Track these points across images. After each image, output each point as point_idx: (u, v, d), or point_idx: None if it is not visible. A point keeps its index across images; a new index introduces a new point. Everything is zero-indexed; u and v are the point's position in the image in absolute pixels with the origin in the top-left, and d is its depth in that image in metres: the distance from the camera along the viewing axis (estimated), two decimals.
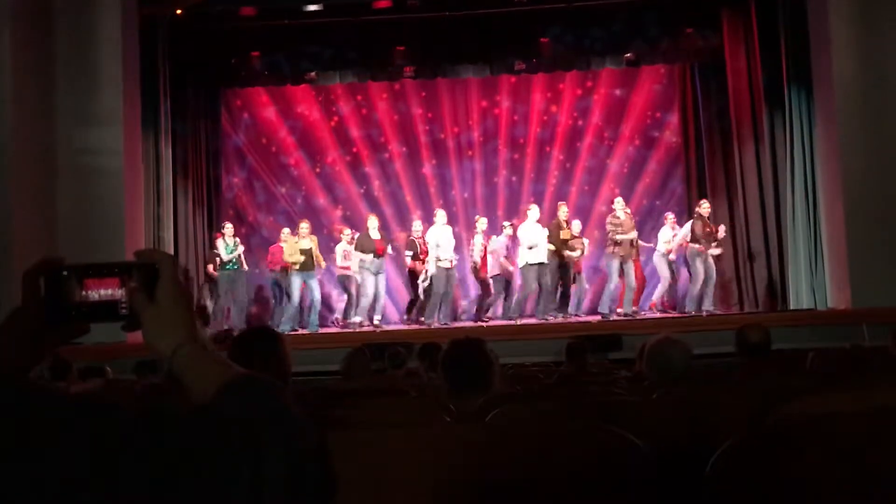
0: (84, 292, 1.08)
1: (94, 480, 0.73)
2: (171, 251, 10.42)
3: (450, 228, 10.50)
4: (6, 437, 0.73)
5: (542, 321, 10.24)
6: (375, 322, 10.40)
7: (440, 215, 10.55)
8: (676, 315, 10.50)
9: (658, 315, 10.30)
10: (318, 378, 6.70)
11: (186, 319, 1.08)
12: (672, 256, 10.63)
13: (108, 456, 0.75)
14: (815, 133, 10.04)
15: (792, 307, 10.11)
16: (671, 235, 10.59)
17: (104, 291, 1.09)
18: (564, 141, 12.79)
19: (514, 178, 12.87)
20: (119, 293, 1.09)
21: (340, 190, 12.86)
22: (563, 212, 10.53)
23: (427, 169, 12.90)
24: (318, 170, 12.87)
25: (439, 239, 10.30)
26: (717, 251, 10.20)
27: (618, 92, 12.74)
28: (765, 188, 10.75)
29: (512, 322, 10.45)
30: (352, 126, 12.81)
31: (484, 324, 10.03)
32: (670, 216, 10.84)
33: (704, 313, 10.00)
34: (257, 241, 11.77)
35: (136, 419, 0.79)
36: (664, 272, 10.66)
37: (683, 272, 10.84)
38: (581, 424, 2.26)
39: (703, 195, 11.82)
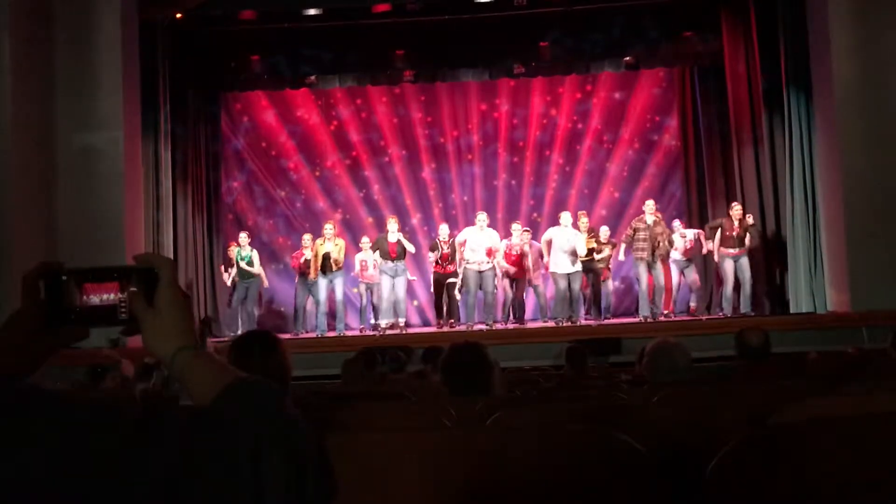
0: (83, 296, 1.08)
1: (94, 484, 0.73)
2: (171, 255, 10.42)
3: (486, 232, 10.21)
4: (5, 440, 0.73)
5: (544, 325, 10.24)
6: (401, 323, 10.33)
7: (480, 217, 10.31)
8: (675, 318, 10.48)
9: (661, 318, 10.27)
10: (318, 382, 6.70)
11: (186, 323, 1.08)
12: (682, 261, 10.60)
13: (108, 459, 0.75)
14: (815, 136, 10.04)
15: (792, 310, 10.11)
16: (682, 241, 10.56)
17: (104, 296, 1.09)
18: (564, 144, 12.81)
19: (513, 182, 12.88)
20: (118, 297, 1.09)
21: (340, 194, 12.87)
22: (583, 222, 10.50)
23: (427, 172, 12.91)
24: (317, 173, 12.89)
25: (469, 240, 10.17)
26: (737, 252, 10.05)
27: (617, 95, 12.76)
28: (764, 191, 10.76)
29: (516, 325, 10.46)
30: (351, 130, 12.83)
31: (486, 327, 9.97)
32: (677, 224, 10.80)
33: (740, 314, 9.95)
34: (255, 245, 11.77)
35: (137, 422, 0.79)
36: (674, 277, 10.68)
37: (687, 277, 10.82)
38: (581, 428, 2.26)
39: (702, 198, 11.85)
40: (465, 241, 10.21)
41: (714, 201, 11.45)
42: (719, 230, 10.16)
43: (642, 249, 10.08)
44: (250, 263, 10.77)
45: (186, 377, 1.04)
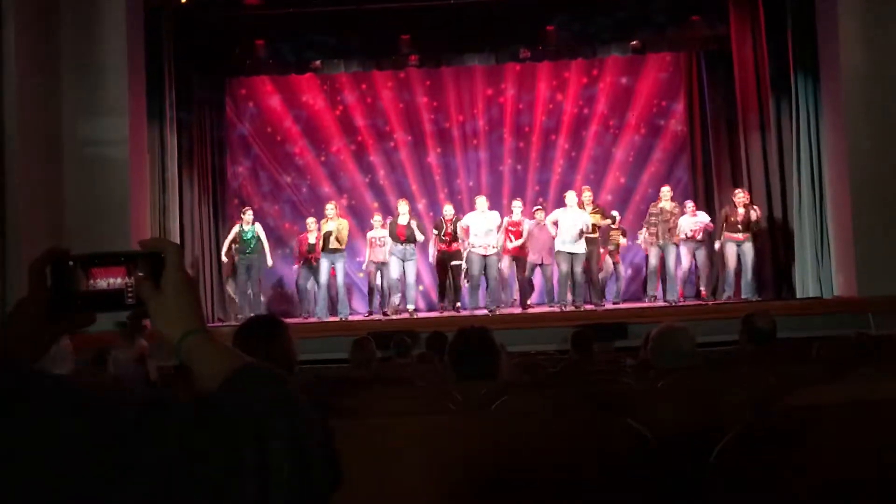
0: (90, 282, 1.09)
1: (98, 469, 0.74)
2: (177, 240, 10.43)
3: (487, 214, 10.20)
4: (7, 426, 0.74)
5: (551, 309, 10.24)
6: (409, 309, 10.33)
7: (480, 202, 10.33)
8: (682, 304, 10.47)
9: (663, 303, 10.27)
10: (324, 366, 6.72)
11: (193, 308, 1.08)
12: (692, 243, 10.58)
13: (111, 444, 0.75)
14: (822, 122, 10.00)
15: (798, 295, 10.10)
16: (692, 223, 10.54)
17: (111, 280, 1.09)
18: (570, 129, 12.77)
19: (519, 167, 12.86)
20: (125, 282, 1.09)
21: (345, 179, 12.86)
22: (587, 196, 10.54)
23: (432, 158, 12.89)
24: (322, 159, 12.88)
25: (472, 225, 10.15)
26: (740, 237, 10.03)
27: (623, 80, 12.71)
28: (771, 177, 10.72)
29: (521, 310, 10.46)
30: (356, 115, 12.81)
31: (490, 312, 9.97)
32: (689, 204, 10.76)
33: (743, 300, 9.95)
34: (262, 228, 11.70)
35: (140, 407, 0.79)
36: (684, 261, 10.68)
37: (699, 259, 10.79)
38: (586, 413, 2.26)
39: (708, 184, 11.82)
40: (468, 227, 10.20)
41: (720, 187, 11.41)
42: (724, 216, 10.18)
43: (653, 234, 10.18)
44: (253, 238, 10.56)
45: (193, 361, 1.04)
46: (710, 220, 10.56)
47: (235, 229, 10.71)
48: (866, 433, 1.62)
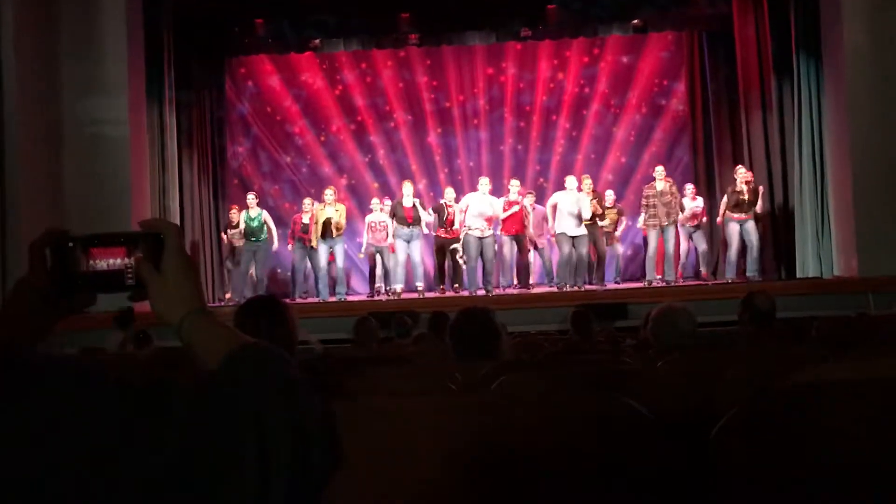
0: (90, 262, 1.09)
1: (102, 448, 0.74)
2: (177, 221, 10.43)
3: (488, 198, 10.11)
4: (9, 407, 0.74)
5: (552, 290, 10.24)
6: (419, 287, 10.27)
7: (483, 183, 10.23)
8: (682, 283, 10.48)
9: (663, 284, 10.28)
10: (324, 347, 6.74)
11: (193, 288, 1.08)
12: (689, 227, 10.55)
13: (112, 426, 0.75)
14: (824, 101, 9.95)
15: (798, 275, 10.10)
16: (693, 206, 10.53)
17: (111, 261, 1.09)
18: (571, 109, 12.73)
19: (519, 147, 12.82)
20: (125, 263, 1.09)
21: (345, 159, 12.84)
22: (587, 184, 10.45)
23: (432, 137, 12.86)
24: (322, 138, 12.85)
25: (471, 206, 10.07)
26: (743, 216, 9.99)
27: (625, 59, 12.65)
28: (772, 156, 10.69)
29: (521, 290, 10.46)
30: (356, 94, 12.76)
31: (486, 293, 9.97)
32: (689, 187, 10.74)
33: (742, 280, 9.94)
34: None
35: (141, 389, 0.79)
36: (682, 243, 10.68)
37: (696, 242, 10.79)
38: (586, 392, 2.27)
39: (709, 164, 11.79)
40: (466, 208, 10.16)
41: (721, 167, 11.39)
42: (726, 195, 10.13)
43: (652, 216, 10.12)
44: (260, 226, 10.51)
45: (194, 342, 1.05)
46: (703, 208, 10.54)
47: (242, 217, 10.58)
48: (865, 412, 1.63)
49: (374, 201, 10.99)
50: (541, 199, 11.27)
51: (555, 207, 10.10)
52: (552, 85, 12.72)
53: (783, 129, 10.47)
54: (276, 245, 10.81)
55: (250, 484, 0.78)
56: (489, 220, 10.04)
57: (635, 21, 11.33)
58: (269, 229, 10.59)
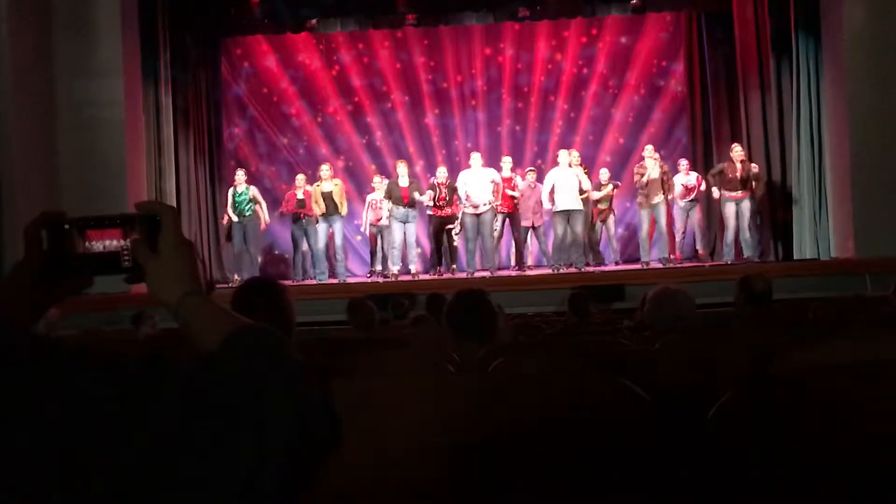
0: (86, 244, 1.08)
1: (101, 426, 0.74)
2: (173, 202, 10.41)
3: (482, 171, 10.05)
4: (4, 390, 0.74)
5: (549, 271, 10.24)
6: (412, 271, 10.26)
7: (475, 158, 10.20)
8: (680, 266, 10.48)
9: (660, 265, 10.27)
10: (322, 328, 6.75)
11: (190, 270, 1.08)
12: (682, 203, 10.50)
13: (108, 408, 0.75)
14: (823, 83, 9.93)
15: (795, 256, 10.11)
16: (685, 180, 10.49)
17: (107, 243, 1.09)
18: (569, 90, 12.69)
19: (517, 128, 12.79)
20: (121, 244, 1.09)
21: (342, 140, 12.80)
22: (575, 156, 10.44)
23: (430, 118, 12.82)
24: (319, 120, 12.80)
25: (468, 183, 10.01)
26: (739, 194, 9.96)
27: (623, 40, 12.59)
28: (770, 137, 10.67)
29: (518, 272, 10.47)
30: (353, 75, 12.70)
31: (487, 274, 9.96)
32: (683, 163, 10.68)
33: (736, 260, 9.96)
34: (259, 191, 11.65)
35: (138, 370, 0.79)
36: (678, 222, 10.64)
37: (692, 219, 10.76)
38: (583, 374, 2.27)
39: (707, 145, 11.76)
40: (466, 192, 10.12)
41: (720, 148, 11.36)
42: (720, 174, 10.08)
43: (644, 195, 10.10)
44: (248, 202, 10.41)
45: (191, 323, 1.04)
46: (701, 178, 10.50)
47: (230, 193, 10.50)
48: (862, 393, 1.63)
49: (376, 179, 10.95)
50: (538, 180, 11.24)
51: (553, 188, 10.04)
52: (550, 66, 12.67)
53: (781, 110, 10.46)
54: (266, 220, 10.63)
55: (248, 463, 0.78)
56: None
57: (633, 1, 11.27)
58: (259, 204, 10.49)
